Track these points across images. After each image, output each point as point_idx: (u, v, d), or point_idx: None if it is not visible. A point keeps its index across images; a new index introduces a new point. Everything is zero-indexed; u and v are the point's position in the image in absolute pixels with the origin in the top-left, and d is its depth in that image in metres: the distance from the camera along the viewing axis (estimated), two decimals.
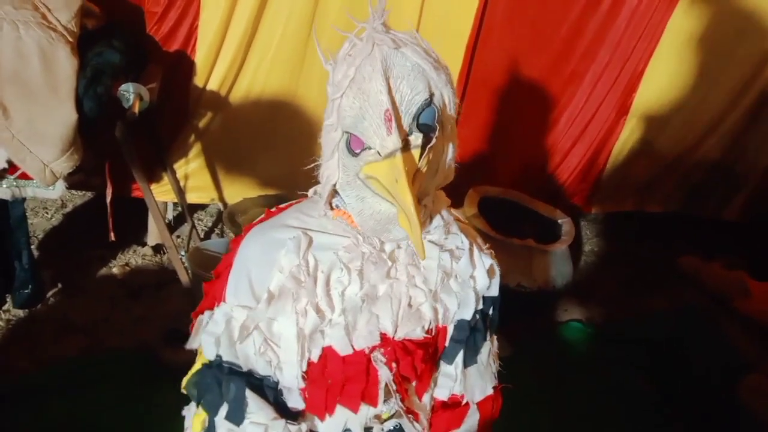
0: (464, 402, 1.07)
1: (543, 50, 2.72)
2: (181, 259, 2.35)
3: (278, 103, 2.52)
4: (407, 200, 0.77)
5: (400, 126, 0.78)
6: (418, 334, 0.95)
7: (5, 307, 2.27)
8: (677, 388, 2.36)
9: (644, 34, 2.70)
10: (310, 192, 0.97)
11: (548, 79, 2.82)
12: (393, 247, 0.93)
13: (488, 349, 1.08)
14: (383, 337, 0.93)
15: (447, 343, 1.02)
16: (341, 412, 0.96)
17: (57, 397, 1.94)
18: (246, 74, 2.43)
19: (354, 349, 0.92)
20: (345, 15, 1.97)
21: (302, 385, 0.93)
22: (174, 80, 2.36)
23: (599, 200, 3.24)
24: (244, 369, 0.94)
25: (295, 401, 0.97)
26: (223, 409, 0.93)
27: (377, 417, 0.99)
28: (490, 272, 1.01)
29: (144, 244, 2.70)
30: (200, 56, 2.33)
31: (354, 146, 0.82)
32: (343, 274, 0.90)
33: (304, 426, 0.96)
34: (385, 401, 0.97)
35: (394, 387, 0.96)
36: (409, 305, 0.94)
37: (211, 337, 0.95)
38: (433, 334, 0.98)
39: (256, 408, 0.92)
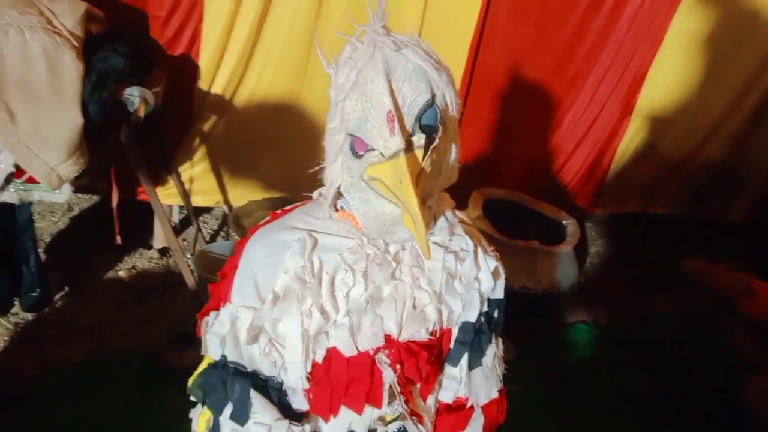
0: (469, 405, 1.06)
1: (546, 51, 2.72)
2: (186, 262, 2.35)
3: (282, 107, 2.53)
4: (411, 200, 0.77)
5: (402, 127, 0.78)
6: (423, 336, 0.95)
7: (13, 311, 2.29)
8: (681, 389, 2.36)
9: (647, 35, 2.70)
10: (315, 194, 0.97)
11: (551, 80, 2.82)
12: (397, 249, 0.93)
13: (493, 351, 1.07)
14: (388, 338, 0.93)
15: (452, 345, 1.02)
16: (345, 414, 0.96)
17: (64, 399, 1.95)
18: (250, 78, 2.44)
19: (358, 350, 0.92)
20: (348, 19, 1.98)
21: (306, 385, 0.93)
22: (178, 84, 2.37)
23: (603, 202, 3.23)
24: (249, 369, 0.94)
25: (299, 402, 0.97)
26: (228, 409, 0.94)
27: (381, 419, 0.99)
28: (494, 274, 1.01)
29: (150, 247, 2.71)
30: (204, 60, 2.34)
31: (357, 148, 0.83)
32: (348, 275, 0.91)
33: (308, 427, 0.96)
34: (389, 403, 0.97)
35: (399, 388, 0.96)
36: (414, 307, 0.94)
37: (216, 338, 0.96)
38: (437, 336, 0.97)
39: (261, 408, 0.93)
